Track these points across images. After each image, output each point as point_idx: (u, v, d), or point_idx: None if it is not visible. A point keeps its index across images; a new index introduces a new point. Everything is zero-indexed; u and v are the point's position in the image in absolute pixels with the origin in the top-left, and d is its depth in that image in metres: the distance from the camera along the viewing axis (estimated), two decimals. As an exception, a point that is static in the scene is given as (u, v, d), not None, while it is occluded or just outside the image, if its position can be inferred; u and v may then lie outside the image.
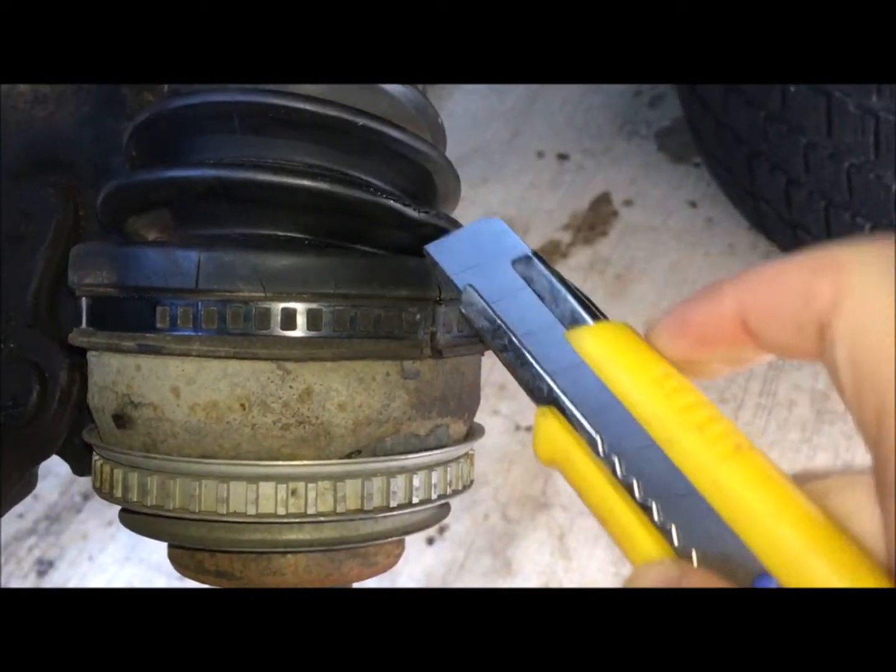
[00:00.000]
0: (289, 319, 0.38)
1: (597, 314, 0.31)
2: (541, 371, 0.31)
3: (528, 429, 1.08)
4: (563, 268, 1.21)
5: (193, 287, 0.38)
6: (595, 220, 1.26)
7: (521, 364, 0.32)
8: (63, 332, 0.47)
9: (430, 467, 0.42)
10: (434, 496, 0.43)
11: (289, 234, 0.42)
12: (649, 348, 0.29)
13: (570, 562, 0.98)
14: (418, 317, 0.41)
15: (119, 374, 0.41)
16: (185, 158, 0.43)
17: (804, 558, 0.25)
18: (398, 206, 0.42)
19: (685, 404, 0.28)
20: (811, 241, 1.05)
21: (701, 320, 0.28)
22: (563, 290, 0.32)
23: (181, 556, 0.44)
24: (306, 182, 0.41)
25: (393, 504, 0.41)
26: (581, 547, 0.98)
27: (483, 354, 0.46)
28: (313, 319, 0.39)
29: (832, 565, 0.25)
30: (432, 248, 0.36)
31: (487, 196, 1.32)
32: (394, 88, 0.45)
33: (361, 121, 0.42)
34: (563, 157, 1.36)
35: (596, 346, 0.30)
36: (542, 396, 0.31)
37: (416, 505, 0.42)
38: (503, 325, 0.33)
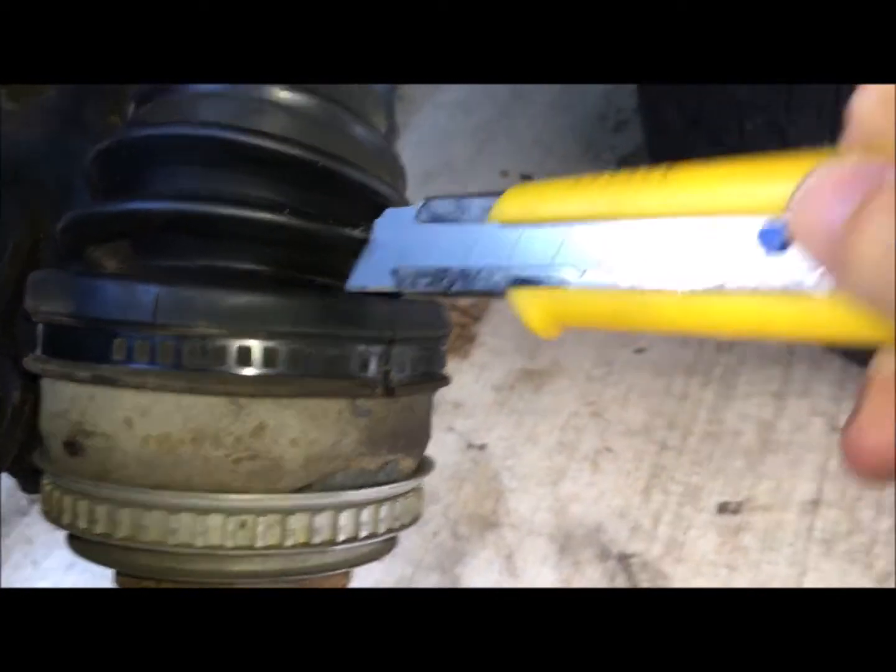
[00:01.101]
0: (244, 356, 0.39)
1: (498, 191, 0.33)
2: (489, 267, 0.32)
3: (482, 447, 1.09)
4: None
5: (151, 321, 0.39)
6: (555, 242, 1.28)
7: (473, 281, 0.33)
8: (19, 350, 0.48)
9: (378, 502, 0.43)
10: (381, 530, 0.44)
11: (249, 266, 0.43)
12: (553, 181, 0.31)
13: (517, 580, 0.99)
14: (372, 356, 0.42)
15: (72, 402, 0.41)
16: (147, 188, 0.44)
17: None
18: (356, 233, 0.43)
19: (624, 177, 0.29)
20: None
21: None
22: (465, 199, 0.34)
23: (128, 582, 0.44)
24: (266, 215, 0.41)
25: (340, 538, 0.42)
26: (529, 566, 1.00)
27: (435, 392, 0.48)
28: (269, 357, 0.39)
29: None
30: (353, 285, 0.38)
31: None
32: (355, 130, 0.46)
33: (321, 161, 0.43)
34: (526, 177, 1.38)
35: (518, 204, 0.31)
36: (502, 289, 0.32)
37: (363, 539, 0.43)
38: (440, 267, 0.34)
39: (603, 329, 0.30)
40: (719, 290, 0.26)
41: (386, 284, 0.37)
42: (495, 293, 0.33)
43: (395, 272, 0.37)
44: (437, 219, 0.36)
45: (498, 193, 0.33)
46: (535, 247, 0.31)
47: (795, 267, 0.24)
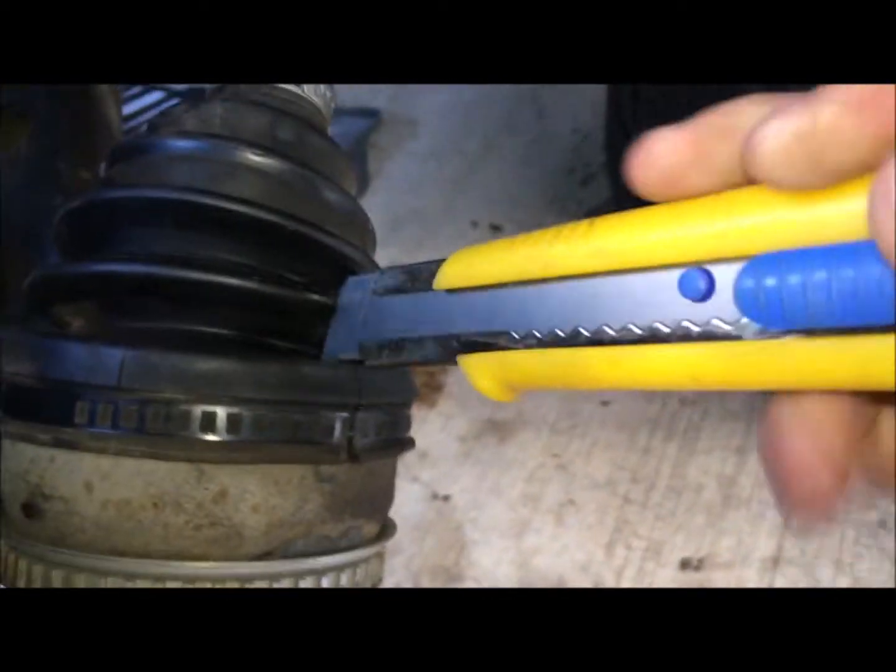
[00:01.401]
0: (208, 422, 0.39)
1: (443, 259, 0.33)
2: (441, 335, 0.33)
3: (446, 498, 1.09)
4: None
5: (115, 385, 0.38)
6: (523, 293, 1.29)
7: (427, 350, 0.34)
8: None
9: (339, 568, 0.43)
10: (342, 597, 0.43)
11: (216, 330, 0.43)
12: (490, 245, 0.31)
13: (478, 635, 0.98)
14: (337, 422, 0.42)
15: (32, 463, 0.40)
16: (116, 248, 0.44)
17: None
18: (324, 299, 0.43)
19: (554, 236, 0.29)
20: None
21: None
22: (413, 268, 0.35)
23: (81, 645, 0.43)
24: (235, 281, 0.42)
25: (300, 605, 0.41)
26: (490, 621, 0.99)
27: (400, 455, 0.48)
28: (233, 423, 0.39)
29: None
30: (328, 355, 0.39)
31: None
32: (327, 195, 0.46)
33: (291, 225, 0.43)
34: (496, 227, 1.39)
35: (459, 270, 0.32)
36: (454, 356, 0.33)
37: (323, 606, 0.42)
38: (398, 338, 0.35)
39: (550, 389, 0.31)
40: (648, 341, 0.26)
41: (354, 355, 0.38)
42: (450, 361, 0.33)
43: (360, 344, 0.37)
44: (390, 290, 0.36)
45: (442, 261, 0.34)
46: (476, 312, 0.32)
47: (720, 312, 0.24)
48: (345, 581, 0.43)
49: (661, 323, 0.26)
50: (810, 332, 0.22)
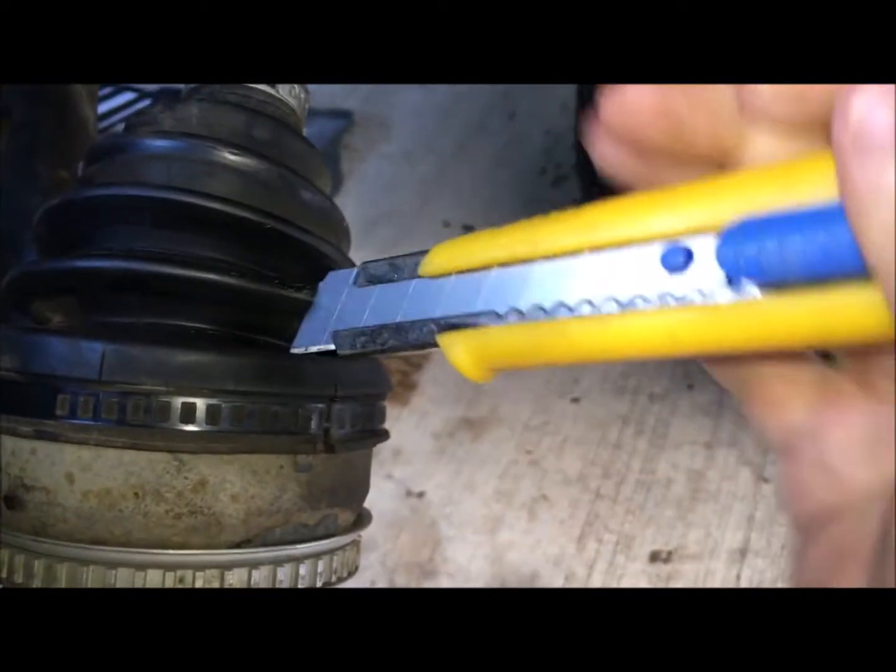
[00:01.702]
0: (188, 413, 0.40)
1: (426, 250, 0.35)
2: (420, 319, 0.34)
3: (420, 495, 1.10)
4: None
5: (97, 378, 0.39)
6: (495, 293, 1.31)
7: (406, 335, 0.35)
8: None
9: (317, 555, 0.44)
10: (319, 584, 0.44)
11: (196, 324, 0.44)
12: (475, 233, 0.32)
13: (452, 629, 1.00)
14: (314, 414, 0.43)
15: (13, 455, 0.41)
16: (95, 245, 0.45)
17: None
18: (301, 295, 0.44)
19: (539, 221, 0.31)
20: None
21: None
22: (398, 259, 0.36)
23: (63, 635, 0.44)
24: (214, 276, 0.43)
25: (278, 592, 0.42)
26: (464, 615, 1.01)
27: (375, 445, 0.49)
28: (212, 414, 0.40)
29: None
30: (297, 348, 0.40)
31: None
32: (302, 193, 0.47)
33: (268, 223, 0.44)
34: (468, 227, 1.41)
35: (444, 256, 0.33)
36: (433, 337, 0.34)
37: (300, 593, 0.43)
38: (375, 326, 0.36)
39: (528, 367, 0.32)
40: (629, 311, 0.28)
41: (326, 345, 0.39)
42: (428, 344, 0.34)
43: (334, 334, 0.38)
44: (373, 280, 0.37)
45: (427, 251, 0.35)
46: (459, 294, 0.33)
47: (697, 281, 0.26)
48: (322, 567, 0.44)
49: (642, 295, 0.27)
50: (782, 288, 0.24)
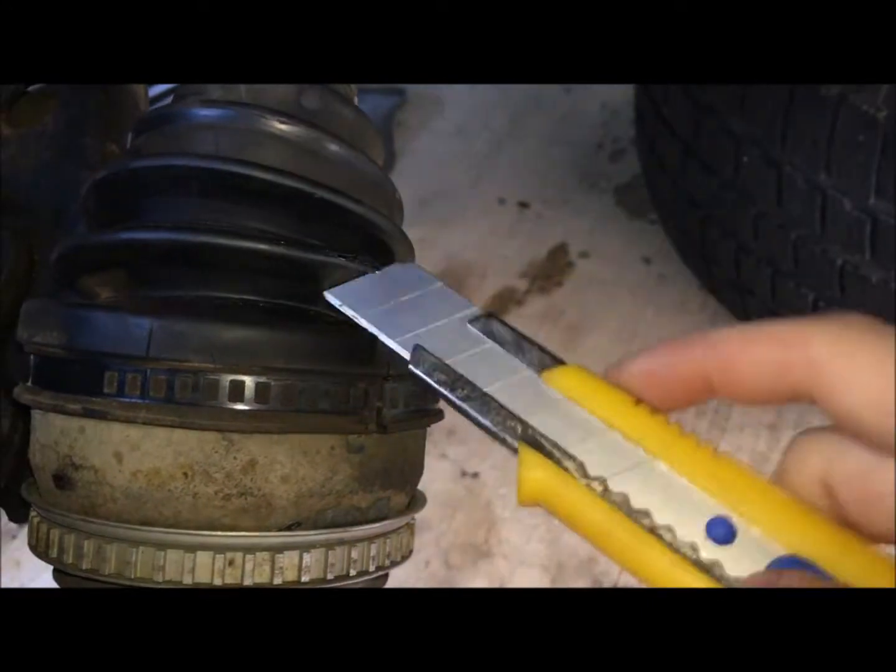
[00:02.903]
0: (237, 391, 0.39)
1: (561, 360, 0.33)
2: (513, 412, 0.32)
3: (475, 475, 1.09)
4: (518, 316, 1.23)
5: (144, 355, 0.38)
6: (551, 270, 1.28)
7: (488, 410, 0.32)
8: (9, 378, 0.47)
9: (369, 539, 0.43)
10: (372, 568, 0.43)
11: (243, 296, 0.43)
12: (613, 385, 0.31)
13: (508, 612, 0.98)
14: (366, 392, 0.41)
15: (62, 434, 0.41)
16: (143, 218, 0.44)
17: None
18: (353, 265, 0.43)
19: (665, 421, 0.30)
20: (758, 306, 1.08)
21: (666, 374, 0.30)
22: (527, 342, 0.33)
23: (114, 616, 0.43)
24: (262, 246, 0.41)
25: (330, 576, 0.41)
26: (520, 597, 0.99)
27: (429, 426, 0.47)
28: (261, 392, 0.39)
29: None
30: (333, 296, 0.37)
31: (448, 239, 1.33)
32: (353, 163, 0.46)
33: (319, 192, 0.43)
34: (523, 205, 1.38)
35: (576, 382, 0.32)
36: (515, 437, 0.31)
37: (353, 577, 0.42)
38: (463, 376, 0.33)
39: (569, 527, 0.31)
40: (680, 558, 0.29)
41: (400, 349, 0.36)
42: (501, 438, 0.32)
43: (417, 348, 0.35)
44: (488, 335, 0.34)
45: (559, 360, 0.33)
46: (567, 424, 0.31)
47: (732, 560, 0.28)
48: (375, 551, 0.43)
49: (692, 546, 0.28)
50: None
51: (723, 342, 0.30)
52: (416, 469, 0.46)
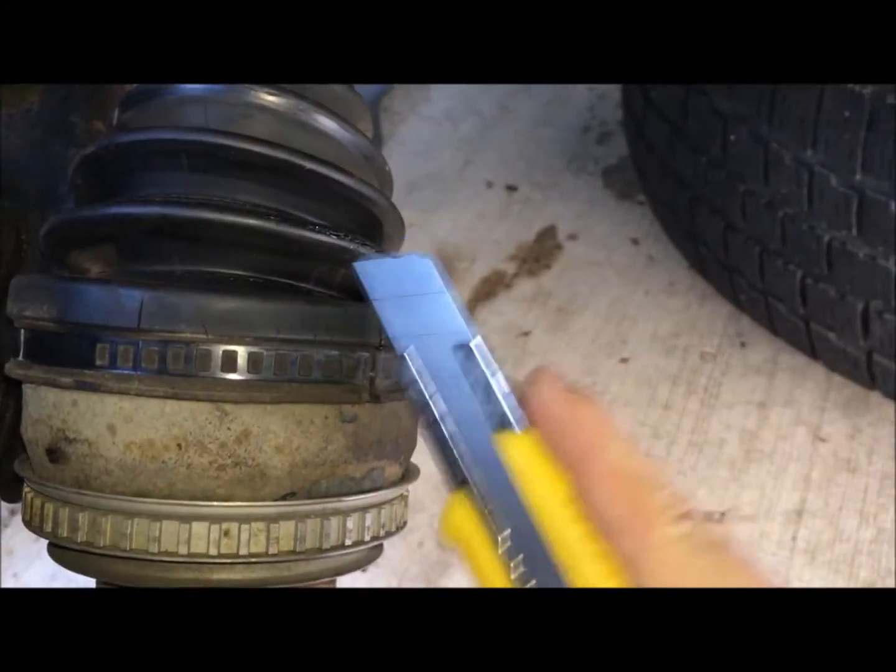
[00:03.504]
0: (229, 362, 0.39)
1: (521, 420, 0.34)
2: (461, 460, 0.33)
3: (466, 457, 1.09)
4: (507, 299, 1.23)
5: (135, 326, 0.38)
6: (540, 253, 1.28)
7: (442, 446, 0.34)
8: (0, 355, 0.47)
9: (364, 509, 0.43)
10: (367, 538, 0.43)
11: (234, 271, 0.43)
12: (558, 466, 0.33)
13: (501, 592, 0.99)
14: (359, 362, 0.41)
15: (55, 408, 0.41)
16: (132, 193, 0.44)
17: None
18: (343, 243, 0.43)
19: (585, 531, 0.31)
20: (746, 285, 1.08)
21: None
22: (496, 392, 0.34)
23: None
24: (253, 221, 0.41)
25: (326, 546, 0.41)
26: (513, 577, 1.00)
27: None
28: (254, 362, 0.39)
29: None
30: (361, 268, 0.38)
31: (437, 223, 1.33)
32: (343, 136, 0.46)
33: (309, 164, 0.43)
34: (511, 188, 1.38)
35: (518, 456, 0.33)
36: (456, 481, 0.33)
37: (348, 547, 0.42)
38: (433, 403, 0.34)
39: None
40: None
41: (398, 346, 0.36)
42: (444, 475, 0.34)
43: (403, 360, 0.35)
44: (467, 374, 0.35)
45: (516, 424, 0.34)
46: (504, 493, 0.33)
47: None
48: (370, 521, 0.43)
49: None
50: None
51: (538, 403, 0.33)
52: (410, 440, 0.47)
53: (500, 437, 0.33)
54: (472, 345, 0.35)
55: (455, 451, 0.33)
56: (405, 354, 0.35)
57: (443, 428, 0.34)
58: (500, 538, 0.32)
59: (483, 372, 0.34)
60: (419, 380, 0.35)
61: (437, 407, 0.34)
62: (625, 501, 0.31)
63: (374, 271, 0.37)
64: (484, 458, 0.33)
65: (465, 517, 0.33)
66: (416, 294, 0.36)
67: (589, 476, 0.32)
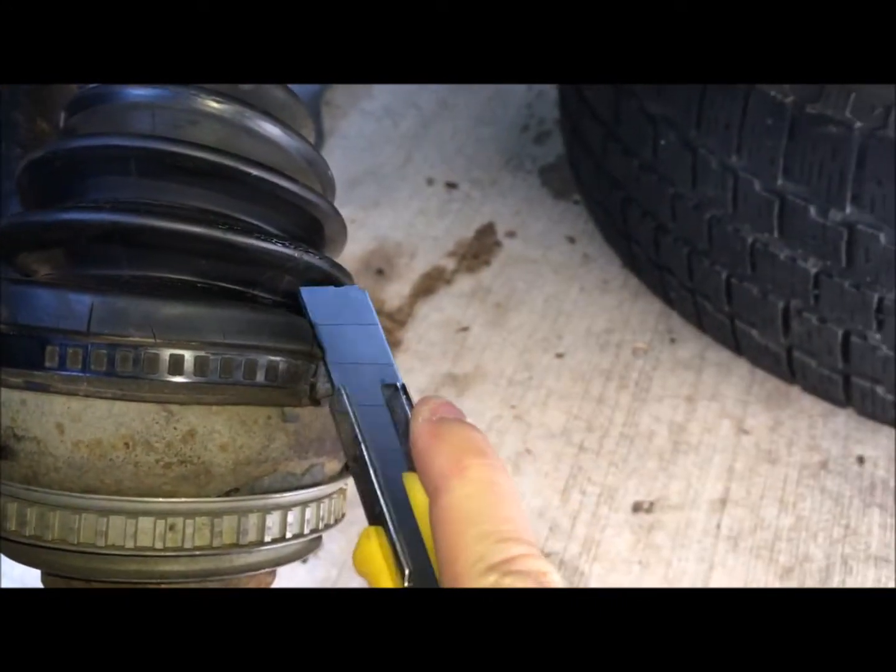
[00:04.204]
0: (176, 365, 0.40)
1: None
2: (378, 496, 0.36)
3: (405, 450, 1.11)
4: (447, 295, 1.25)
5: (84, 330, 0.39)
6: (479, 250, 1.31)
7: (365, 481, 0.37)
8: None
9: (304, 504, 0.45)
10: (307, 531, 0.45)
11: (182, 277, 0.44)
12: None
13: (438, 580, 1.01)
14: (300, 368, 0.43)
15: (4, 406, 0.42)
16: (80, 198, 0.45)
17: None
18: (288, 251, 0.45)
19: None
20: (675, 283, 1.13)
21: None
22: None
23: (56, 582, 0.45)
24: (200, 229, 0.43)
25: (267, 539, 0.43)
26: (450, 566, 1.02)
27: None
28: (200, 366, 0.41)
29: None
30: (306, 294, 0.40)
31: (378, 220, 1.35)
32: (287, 141, 0.47)
33: (255, 171, 0.44)
34: (451, 185, 1.40)
35: (419, 495, 0.35)
36: (373, 516, 0.36)
37: (289, 539, 0.44)
38: (361, 440, 0.37)
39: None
40: None
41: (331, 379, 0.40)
42: (365, 508, 0.37)
43: (339, 391, 0.39)
44: (391, 412, 0.38)
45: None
46: (408, 528, 0.35)
47: None
48: (309, 515, 0.45)
49: None
50: None
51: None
52: (349, 437, 0.49)
53: (409, 477, 0.36)
54: (398, 385, 0.38)
55: (374, 487, 0.36)
56: (340, 388, 0.38)
57: (367, 463, 0.36)
58: (404, 576, 0.34)
59: (406, 412, 0.37)
60: (350, 415, 0.37)
61: (364, 443, 0.37)
62: (447, 548, 0.33)
63: (316, 298, 0.40)
64: (395, 497, 0.36)
65: (374, 551, 0.35)
66: (352, 323, 0.39)
67: (433, 518, 0.33)
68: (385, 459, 0.36)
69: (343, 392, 0.38)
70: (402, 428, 0.37)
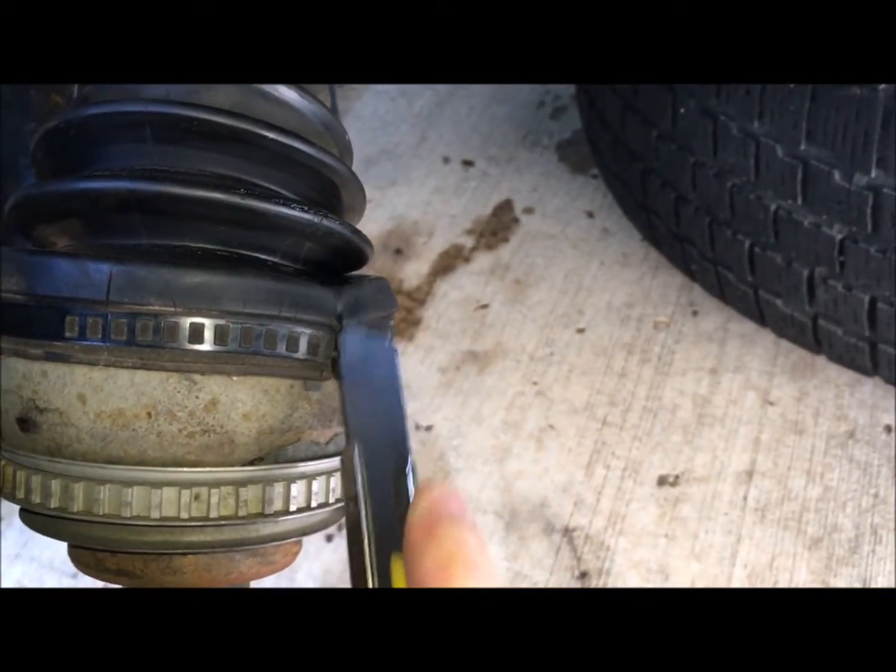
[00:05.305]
0: (197, 334, 0.40)
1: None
2: (367, 567, 0.35)
3: (428, 428, 1.11)
4: (466, 273, 1.24)
5: (104, 299, 0.39)
6: (497, 227, 1.30)
7: (358, 550, 0.36)
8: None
9: (328, 473, 0.45)
10: (332, 500, 0.45)
11: (201, 245, 0.44)
12: None
13: (464, 558, 1.01)
14: (321, 340, 0.43)
15: (25, 378, 0.41)
16: (96, 166, 0.44)
17: None
18: (308, 216, 0.44)
19: None
20: (697, 255, 1.11)
21: None
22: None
23: (82, 555, 0.45)
24: (220, 195, 0.42)
25: (292, 508, 0.43)
26: (475, 543, 1.02)
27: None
28: (221, 335, 0.40)
29: None
30: (343, 342, 0.42)
31: (394, 199, 1.34)
32: (303, 105, 0.47)
33: (272, 134, 0.44)
34: (468, 163, 1.39)
35: (400, 580, 0.35)
36: (356, 586, 0.35)
37: (314, 508, 0.44)
38: (357, 494, 0.37)
39: None
40: None
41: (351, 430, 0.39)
42: (357, 579, 0.36)
43: (352, 445, 0.38)
44: (395, 483, 0.38)
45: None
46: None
47: None
48: (334, 484, 0.45)
49: None
50: None
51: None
52: (373, 406, 0.48)
53: (396, 560, 0.35)
54: (408, 462, 0.38)
55: (364, 558, 0.35)
56: (353, 450, 0.38)
57: (363, 532, 0.36)
58: None
59: (408, 494, 0.37)
60: (358, 477, 0.37)
61: (363, 511, 0.37)
62: None
63: (352, 347, 0.40)
64: (383, 573, 0.35)
65: None
66: (379, 379, 0.39)
67: None
68: (379, 533, 0.36)
69: (355, 454, 0.38)
70: (402, 511, 0.36)
